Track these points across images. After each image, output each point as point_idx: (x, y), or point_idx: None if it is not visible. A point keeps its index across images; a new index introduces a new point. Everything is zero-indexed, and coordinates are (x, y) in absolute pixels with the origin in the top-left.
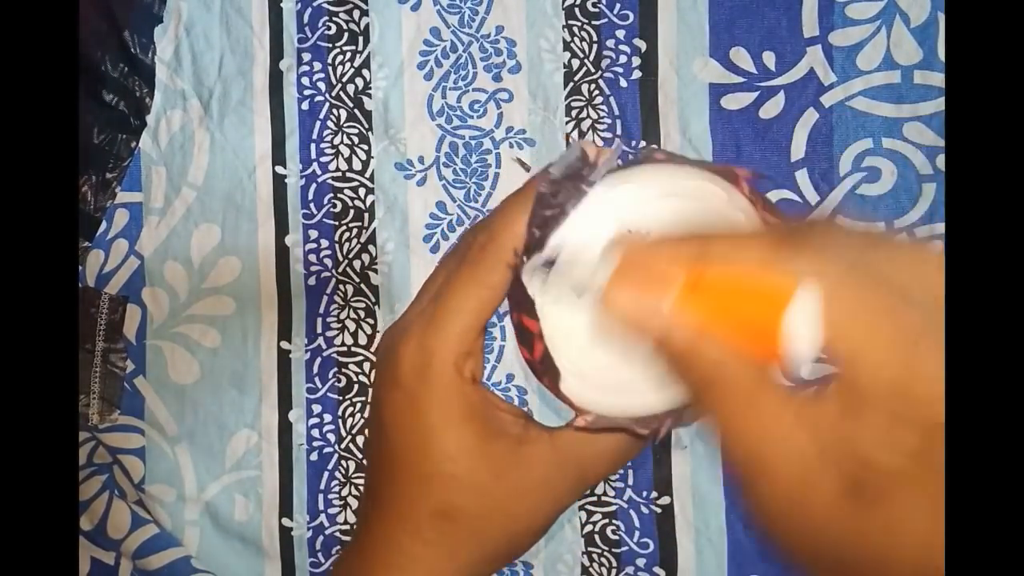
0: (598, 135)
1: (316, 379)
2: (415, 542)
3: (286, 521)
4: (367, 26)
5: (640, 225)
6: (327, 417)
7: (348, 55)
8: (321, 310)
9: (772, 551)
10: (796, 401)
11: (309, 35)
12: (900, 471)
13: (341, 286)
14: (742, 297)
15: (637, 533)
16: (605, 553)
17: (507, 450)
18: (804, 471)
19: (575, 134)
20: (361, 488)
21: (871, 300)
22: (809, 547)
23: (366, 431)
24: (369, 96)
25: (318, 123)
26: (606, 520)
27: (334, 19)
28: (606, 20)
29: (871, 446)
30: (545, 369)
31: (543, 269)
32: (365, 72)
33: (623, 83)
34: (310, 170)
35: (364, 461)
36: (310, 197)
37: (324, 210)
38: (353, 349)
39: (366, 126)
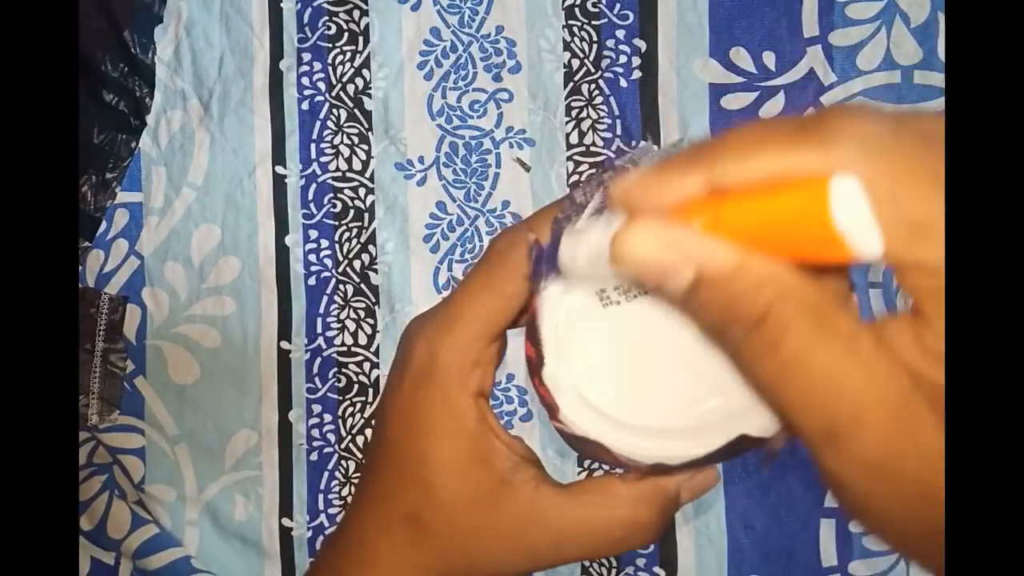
0: (598, 135)
1: (316, 379)
2: (383, 540)
3: (286, 521)
4: (367, 26)
5: None
6: (327, 417)
7: (348, 55)
8: (321, 310)
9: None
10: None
11: (309, 35)
12: None
13: (341, 286)
14: (773, 214)
15: None
16: None
17: (487, 484)
18: (898, 408)
19: (576, 135)
20: None
21: (918, 186)
22: (905, 513)
23: (372, 434)
24: (369, 96)
25: (318, 123)
26: None
27: (334, 19)
28: (606, 20)
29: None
30: (547, 401)
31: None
32: (365, 72)
33: (623, 83)
34: (310, 170)
35: (364, 457)
36: (310, 197)
37: (324, 210)
38: (353, 349)
39: (366, 126)
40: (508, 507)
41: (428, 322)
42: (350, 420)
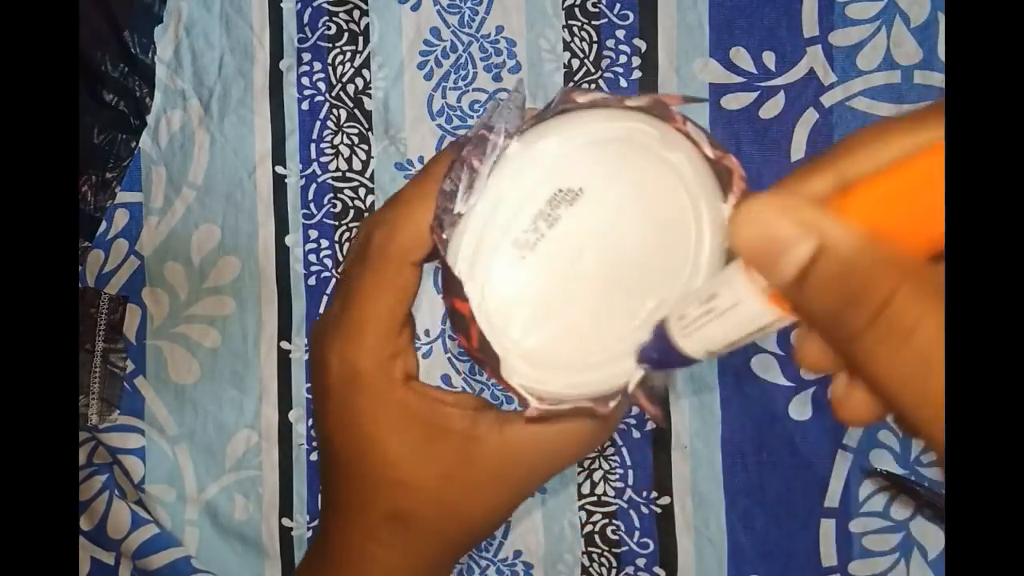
0: None
1: None
2: (370, 544)
3: (286, 521)
4: (367, 26)
5: (571, 180)
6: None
7: (348, 55)
8: (321, 310)
9: None
10: None
11: (309, 35)
12: None
13: None
14: (899, 187)
15: (637, 533)
16: (605, 553)
17: (454, 449)
18: None
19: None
20: None
21: None
22: None
23: (316, 435)
24: (369, 96)
25: (318, 123)
26: (606, 520)
27: (334, 19)
28: (606, 20)
29: None
30: (486, 356)
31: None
32: (365, 72)
33: (623, 83)
34: (310, 170)
35: (320, 481)
36: (310, 197)
37: (324, 210)
38: None
39: (366, 126)
40: (482, 460)
41: (333, 334)
42: None
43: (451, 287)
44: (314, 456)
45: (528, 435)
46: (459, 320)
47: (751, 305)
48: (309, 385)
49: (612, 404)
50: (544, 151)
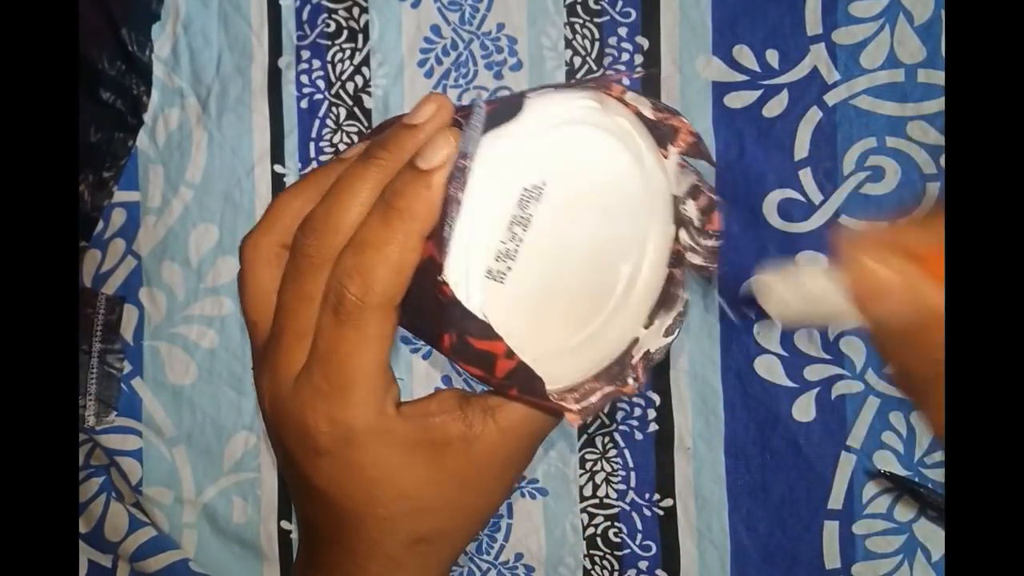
0: None
1: None
2: (393, 571)
3: (285, 524)
4: (367, 23)
5: (533, 177)
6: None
7: (348, 53)
8: None
9: None
10: None
11: (308, 32)
12: None
13: None
14: None
15: (639, 536)
16: (607, 556)
17: (459, 456)
18: None
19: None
20: None
21: None
22: None
23: (291, 488)
24: (369, 94)
25: (317, 121)
26: (608, 523)
27: (333, 16)
28: (608, 17)
29: None
30: (519, 382)
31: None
32: (365, 70)
33: (625, 81)
34: (309, 169)
35: (298, 512)
36: None
37: None
38: None
39: (366, 124)
40: (487, 456)
41: (313, 398)
42: None
43: (463, 326)
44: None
45: (519, 416)
46: (477, 356)
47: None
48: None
49: (631, 380)
50: (502, 157)
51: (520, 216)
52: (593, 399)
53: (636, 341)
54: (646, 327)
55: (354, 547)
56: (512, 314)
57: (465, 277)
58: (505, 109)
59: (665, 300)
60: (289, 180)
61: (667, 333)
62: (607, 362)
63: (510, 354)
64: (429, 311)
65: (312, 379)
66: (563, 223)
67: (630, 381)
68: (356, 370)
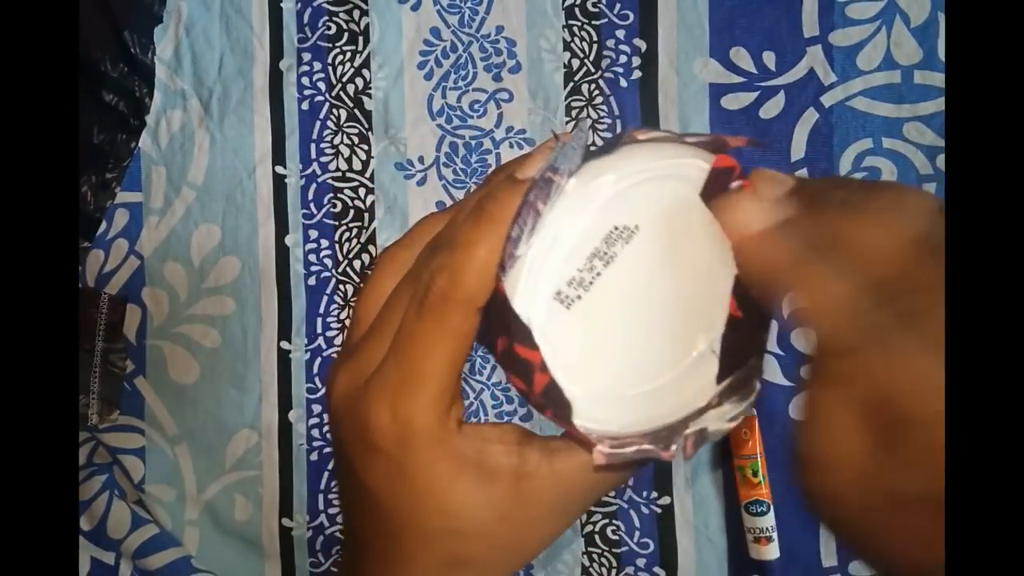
0: (598, 135)
1: (316, 379)
2: None
3: (286, 521)
4: (367, 26)
5: (627, 218)
6: (327, 418)
7: (348, 55)
8: (321, 310)
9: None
10: None
11: (309, 35)
12: None
13: (341, 286)
14: None
15: (637, 533)
16: (605, 553)
17: (507, 490)
18: None
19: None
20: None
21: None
22: None
23: (342, 487)
24: (369, 96)
25: (318, 123)
26: (606, 520)
27: (334, 19)
28: (606, 20)
29: None
30: (550, 402)
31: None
32: (365, 72)
33: (623, 83)
34: (310, 170)
35: (345, 515)
36: (310, 197)
37: (324, 210)
38: None
39: (366, 126)
40: (535, 497)
41: (381, 389)
42: None
43: (512, 332)
44: (314, 456)
45: (576, 464)
46: (520, 365)
47: None
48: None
49: (673, 448)
50: (601, 188)
51: (604, 251)
52: (628, 451)
53: (697, 415)
54: (712, 406)
55: (392, 558)
56: (568, 340)
57: (532, 289)
58: (615, 142)
59: (740, 387)
60: (290, 181)
61: (730, 420)
62: (659, 424)
63: (544, 368)
64: (491, 312)
65: (385, 369)
66: (646, 273)
67: (673, 449)
68: (429, 363)
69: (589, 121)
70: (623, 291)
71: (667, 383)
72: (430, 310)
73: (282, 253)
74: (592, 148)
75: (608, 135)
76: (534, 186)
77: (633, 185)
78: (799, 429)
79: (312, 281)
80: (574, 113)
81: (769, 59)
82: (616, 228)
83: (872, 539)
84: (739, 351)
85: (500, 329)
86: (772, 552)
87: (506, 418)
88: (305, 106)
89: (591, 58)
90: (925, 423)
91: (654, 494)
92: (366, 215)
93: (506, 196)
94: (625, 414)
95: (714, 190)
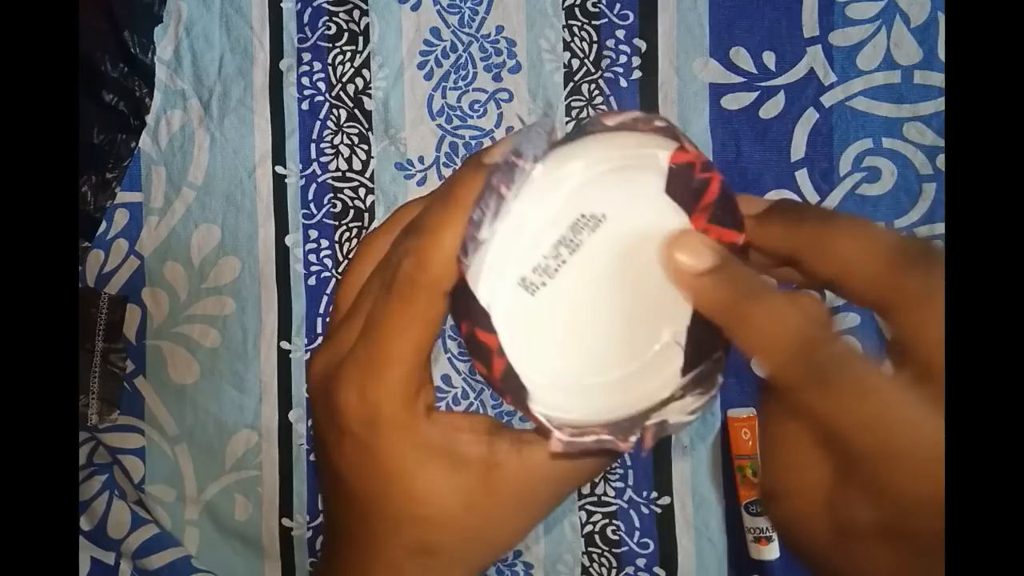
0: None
1: None
2: None
3: (286, 521)
4: (367, 26)
5: (595, 206)
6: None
7: (348, 55)
8: (321, 310)
9: None
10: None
11: (309, 35)
12: None
13: None
14: None
15: (637, 533)
16: (605, 553)
17: (475, 479)
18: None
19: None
20: None
21: None
22: None
23: (319, 473)
24: (369, 96)
25: (318, 123)
26: (606, 520)
27: (334, 19)
28: (606, 20)
29: None
30: (508, 387)
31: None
32: (365, 72)
33: (623, 83)
34: (310, 170)
35: (323, 502)
36: (310, 197)
37: (324, 210)
38: None
39: (366, 126)
40: (504, 487)
41: (350, 371)
42: None
43: (472, 315)
44: (314, 456)
45: (545, 456)
46: (480, 349)
47: None
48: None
49: (632, 439)
50: (568, 176)
51: (570, 239)
52: (586, 439)
53: (658, 407)
54: (675, 398)
55: (362, 544)
56: (531, 326)
57: (497, 275)
58: (583, 129)
59: (702, 380)
60: (290, 181)
61: (691, 412)
62: (619, 414)
63: (501, 352)
64: (456, 296)
65: (356, 352)
66: (612, 262)
67: (631, 440)
68: (396, 347)
69: (553, 107)
70: (588, 279)
71: (629, 373)
72: (397, 294)
73: (282, 253)
74: (559, 135)
75: None
76: (497, 170)
77: (601, 173)
78: (761, 458)
79: (312, 281)
80: (574, 113)
81: (769, 59)
82: (583, 216)
83: (842, 570)
84: (705, 344)
85: (463, 313)
86: (772, 552)
87: (506, 418)
88: (305, 106)
89: (591, 58)
90: (872, 457)
91: (654, 494)
92: (366, 215)
93: (471, 180)
94: (586, 403)
95: (678, 186)
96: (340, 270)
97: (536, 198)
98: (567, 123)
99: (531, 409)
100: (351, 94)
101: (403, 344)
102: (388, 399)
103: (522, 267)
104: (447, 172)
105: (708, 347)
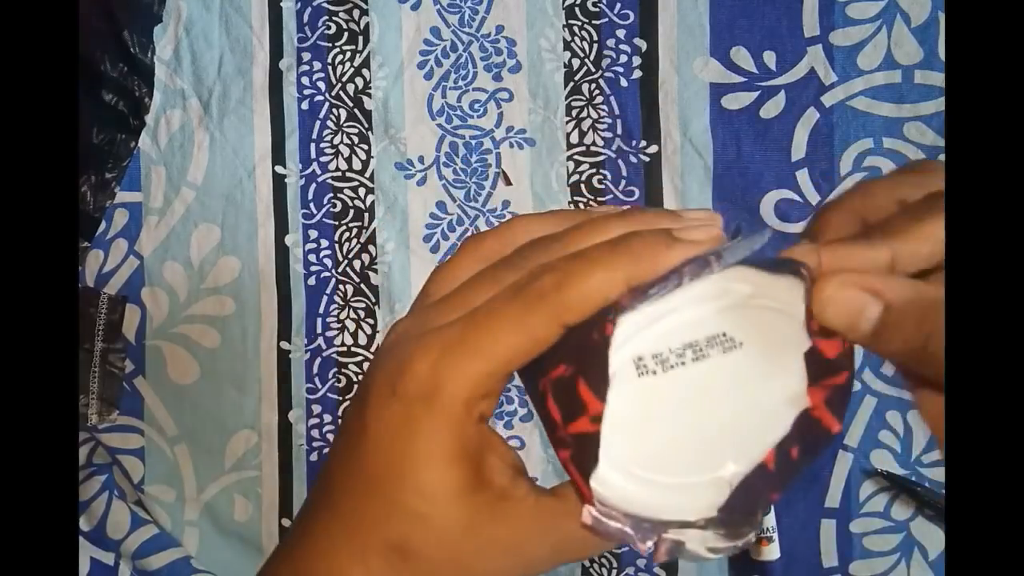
0: (599, 134)
1: (316, 379)
2: (359, 568)
3: (286, 522)
4: (367, 25)
5: (740, 333)
6: (327, 417)
7: (348, 55)
8: (321, 310)
9: None
10: None
11: (309, 34)
12: None
13: (341, 286)
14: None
15: None
16: (605, 553)
17: (486, 503)
18: None
19: (576, 134)
20: None
21: None
22: None
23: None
24: (369, 96)
25: (318, 123)
26: None
27: (334, 18)
28: (606, 19)
29: None
30: (579, 449)
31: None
32: (365, 72)
33: (623, 83)
34: (310, 170)
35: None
36: (310, 197)
37: (324, 210)
38: (353, 349)
39: (366, 126)
40: (509, 522)
41: (436, 342)
42: None
43: (584, 368)
44: (314, 456)
45: (561, 510)
46: (572, 402)
47: None
48: (307, 385)
49: (648, 543)
50: (734, 294)
51: (701, 348)
52: (612, 525)
53: (683, 527)
54: (698, 527)
55: (348, 520)
56: (620, 404)
57: (623, 342)
58: (780, 266)
59: (730, 525)
60: (290, 181)
61: (709, 549)
62: (646, 513)
63: (596, 419)
64: (565, 338)
65: (450, 329)
66: (723, 386)
67: (648, 544)
68: (494, 343)
69: (770, 232)
70: (694, 389)
71: (676, 485)
72: (522, 299)
73: (282, 253)
74: (754, 253)
75: (607, 135)
76: (693, 261)
77: (763, 307)
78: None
79: (312, 281)
80: (574, 113)
81: (770, 59)
82: (724, 335)
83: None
84: (751, 497)
85: (571, 358)
86: (772, 552)
87: (506, 418)
88: (305, 106)
89: (591, 58)
90: None
91: None
92: (366, 215)
93: (653, 243)
94: (627, 492)
95: (816, 358)
96: (340, 270)
97: (695, 296)
98: (567, 123)
99: (592, 484)
100: (351, 94)
101: (501, 346)
102: (456, 384)
103: (644, 348)
104: (447, 172)
105: (753, 502)
